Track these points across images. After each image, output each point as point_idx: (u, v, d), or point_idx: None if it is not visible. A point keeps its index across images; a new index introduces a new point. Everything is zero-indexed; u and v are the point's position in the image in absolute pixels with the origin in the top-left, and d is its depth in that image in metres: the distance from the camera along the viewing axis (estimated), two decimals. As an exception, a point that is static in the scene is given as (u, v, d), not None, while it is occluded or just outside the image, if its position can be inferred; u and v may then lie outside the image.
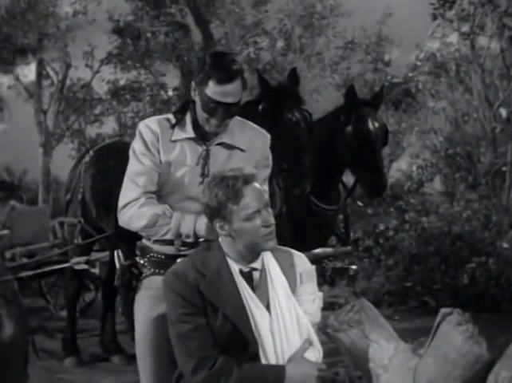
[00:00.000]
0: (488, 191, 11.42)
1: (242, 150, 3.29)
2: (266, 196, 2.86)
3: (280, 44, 16.50)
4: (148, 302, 3.18)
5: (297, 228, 5.13)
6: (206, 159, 3.25)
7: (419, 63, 15.92)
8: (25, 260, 7.82)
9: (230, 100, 3.14)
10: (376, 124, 5.39)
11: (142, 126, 3.33)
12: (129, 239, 5.99)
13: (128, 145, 7.09)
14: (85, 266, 6.43)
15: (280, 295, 2.83)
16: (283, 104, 5.07)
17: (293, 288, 2.88)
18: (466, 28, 11.37)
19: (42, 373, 5.71)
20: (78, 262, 6.31)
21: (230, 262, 2.82)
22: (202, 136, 3.26)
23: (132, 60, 17.40)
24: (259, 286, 2.82)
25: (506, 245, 8.76)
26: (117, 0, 17.00)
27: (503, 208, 10.34)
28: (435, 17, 11.15)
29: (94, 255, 7.03)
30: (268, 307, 2.80)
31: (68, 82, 18.82)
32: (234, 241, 2.79)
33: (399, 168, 17.00)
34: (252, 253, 2.82)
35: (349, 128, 5.36)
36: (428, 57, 15.48)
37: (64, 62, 18.37)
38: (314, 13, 16.41)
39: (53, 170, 18.56)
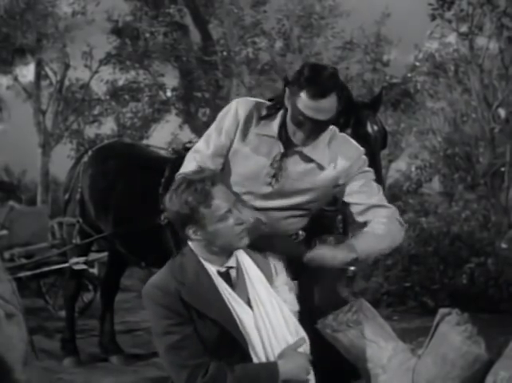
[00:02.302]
0: (487, 192, 11.43)
1: (321, 166, 3.21)
2: (233, 196, 2.86)
3: (279, 44, 16.48)
4: None
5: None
6: (280, 162, 3.20)
7: (417, 63, 15.92)
8: (23, 261, 7.83)
9: (320, 117, 3.03)
10: (375, 127, 5.38)
11: (234, 105, 3.29)
12: (126, 239, 6.01)
13: (126, 146, 7.13)
14: (84, 267, 6.44)
15: (259, 290, 2.82)
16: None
17: (270, 280, 2.89)
18: (464, 28, 11.37)
19: (41, 374, 5.71)
20: (77, 263, 6.32)
21: (206, 264, 2.81)
22: (284, 139, 3.18)
23: (131, 60, 17.38)
24: (238, 284, 2.82)
25: (504, 245, 8.77)
26: (116, 0, 17.01)
27: (502, 208, 10.35)
28: (433, 18, 11.17)
29: (93, 256, 7.04)
30: (249, 304, 2.80)
31: (66, 82, 18.77)
32: (209, 244, 2.79)
33: (397, 169, 17.02)
34: (226, 252, 2.82)
35: (348, 131, 5.35)
36: (427, 58, 15.48)
37: (63, 62, 18.33)
38: (313, 14, 16.40)
39: (52, 170, 18.55)
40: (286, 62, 15.55)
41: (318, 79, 3.00)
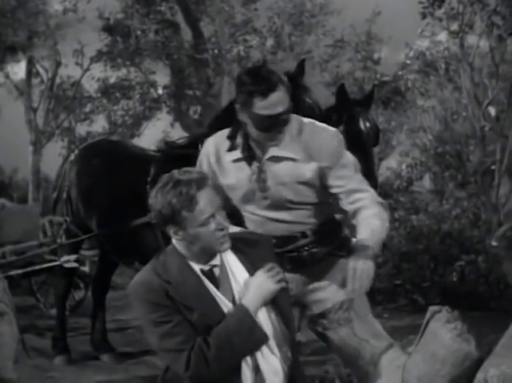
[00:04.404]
0: (477, 190, 11.43)
1: (293, 159, 3.27)
2: (219, 200, 2.84)
3: (270, 42, 16.47)
4: None
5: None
6: (259, 175, 3.29)
7: (408, 61, 15.92)
8: (15, 258, 7.81)
9: (279, 109, 3.12)
10: (368, 124, 5.39)
11: (204, 147, 3.46)
12: (114, 238, 6.00)
13: (111, 143, 7.13)
14: (75, 264, 6.44)
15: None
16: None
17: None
18: (455, 26, 11.36)
19: (32, 372, 5.72)
20: (68, 261, 6.32)
21: (191, 263, 2.81)
22: (250, 156, 3.30)
23: (122, 58, 17.36)
24: (222, 282, 2.82)
25: (494, 243, 8.74)
26: (107, -2, 16.98)
27: (492, 206, 10.34)
28: (424, 16, 11.16)
29: (83, 253, 7.04)
30: (234, 301, 2.80)
31: (58, 80, 18.77)
32: (190, 244, 2.78)
33: (388, 167, 16.99)
34: (208, 254, 2.82)
35: (341, 128, 5.35)
36: (417, 56, 15.48)
37: (54, 60, 18.30)
38: (304, 12, 16.41)
39: (43, 168, 18.51)
40: (277, 60, 15.54)
41: (259, 79, 3.11)
